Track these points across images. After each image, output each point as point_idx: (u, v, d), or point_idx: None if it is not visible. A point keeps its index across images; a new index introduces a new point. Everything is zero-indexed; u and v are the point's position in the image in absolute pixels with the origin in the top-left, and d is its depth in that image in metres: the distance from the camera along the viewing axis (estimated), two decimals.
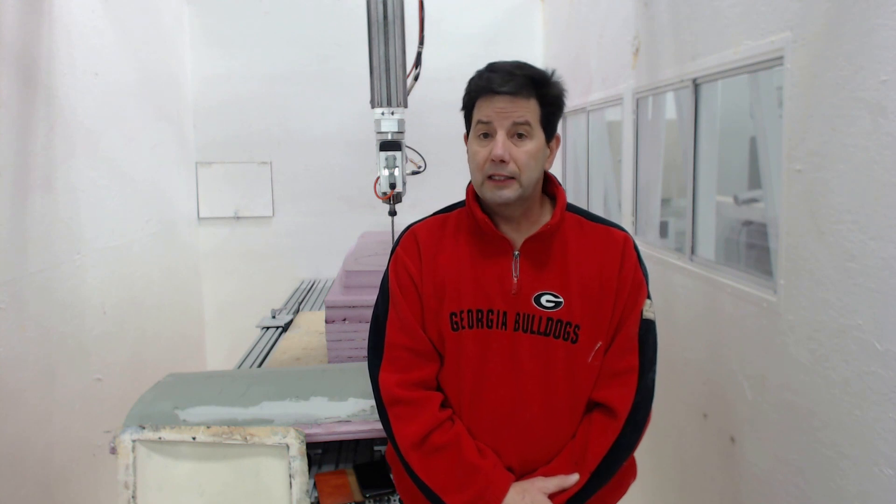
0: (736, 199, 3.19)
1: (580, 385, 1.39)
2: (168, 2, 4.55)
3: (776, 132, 2.12)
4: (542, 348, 1.37)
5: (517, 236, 1.41)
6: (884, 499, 1.53)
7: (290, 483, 1.76)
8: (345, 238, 4.09)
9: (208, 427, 1.79)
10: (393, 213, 2.39)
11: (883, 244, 1.50)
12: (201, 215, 5.05)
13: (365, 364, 1.70)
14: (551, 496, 1.34)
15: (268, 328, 3.33)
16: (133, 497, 1.77)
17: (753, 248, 2.86)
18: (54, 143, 2.84)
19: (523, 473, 1.39)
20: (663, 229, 3.29)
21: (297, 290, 4.44)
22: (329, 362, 2.49)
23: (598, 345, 1.38)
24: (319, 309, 3.71)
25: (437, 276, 1.41)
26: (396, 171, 2.30)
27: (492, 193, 1.35)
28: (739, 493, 2.22)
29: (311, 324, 3.30)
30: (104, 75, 3.37)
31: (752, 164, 3.02)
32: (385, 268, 1.51)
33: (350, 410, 1.90)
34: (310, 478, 1.82)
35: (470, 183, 1.44)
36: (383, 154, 2.30)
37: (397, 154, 2.30)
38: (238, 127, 4.99)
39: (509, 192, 1.34)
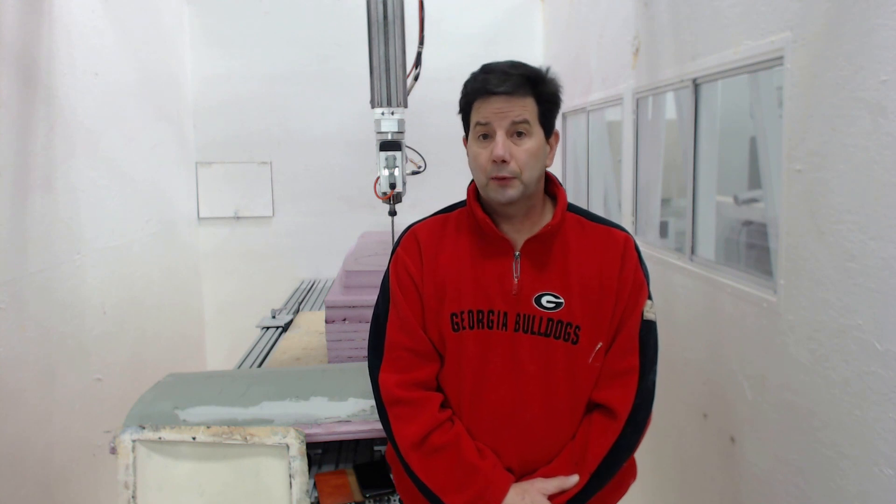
0: (736, 199, 3.19)
1: (580, 386, 1.39)
2: (168, 2, 4.55)
3: (776, 132, 2.12)
4: (542, 349, 1.37)
5: (518, 237, 1.41)
6: (884, 499, 1.53)
7: (290, 483, 1.76)
8: (345, 238, 4.09)
9: (208, 427, 1.79)
10: (393, 213, 2.39)
11: (883, 244, 1.50)
12: (201, 215, 5.05)
13: (365, 364, 1.70)
14: (551, 497, 1.34)
15: (268, 328, 3.33)
16: (133, 497, 1.77)
17: (753, 248, 2.86)
18: (54, 143, 2.84)
19: (523, 474, 1.39)
20: (663, 229, 3.29)
21: (297, 290, 4.44)
22: (329, 362, 2.49)
23: (599, 345, 1.38)
24: (319, 309, 3.71)
25: (438, 276, 1.41)
26: (396, 171, 2.30)
27: (496, 193, 1.35)
28: (739, 493, 2.22)
29: (311, 324, 3.30)
30: (104, 75, 3.37)
31: (752, 164, 3.02)
32: (385, 268, 1.51)
33: (350, 410, 1.90)
34: (310, 478, 1.82)
35: (471, 183, 1.45)
36: (383, 154, 2.30)
37: (397, 154, 2.30)
38: (238, 127, 4.99)
39: (513, 192, 1.34)
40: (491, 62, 1.38)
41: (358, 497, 1.82)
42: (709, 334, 2.44)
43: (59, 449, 2.77)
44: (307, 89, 4.97)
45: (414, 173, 2.59)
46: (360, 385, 1.95)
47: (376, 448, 2.02)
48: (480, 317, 1.38)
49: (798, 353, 1.85)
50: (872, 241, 1.54)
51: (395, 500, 1.81)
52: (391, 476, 1.80)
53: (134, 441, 1.78)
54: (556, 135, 1.43)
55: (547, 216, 1.43)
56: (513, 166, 1.32)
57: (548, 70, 1.38)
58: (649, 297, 1.43)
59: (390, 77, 2.31)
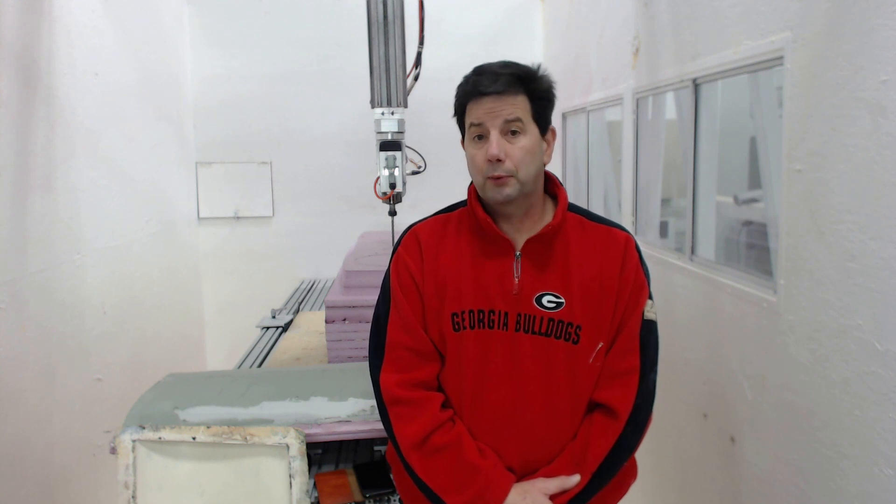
0: (736, 199, 3.19)
1: (581, 386, 1.39)
2: (168, 2, 4.54)
3: (776, 132, 2.12)
4: (543, 349, 1.37)
5: (519, 237, 1.41)
6: (884, 499, 1.53)
7: (290, 483, 1.76)
8: (345, 238, 4.09)
9: (208, 427, 1.79)
10: (393, 213, 2.39)
11: (883, 244, 1.50)
12: (201, 215, 5.05)
13: (365, 364, 1.70)
14: (552, 497, 1.34)
15: (268, 328, 3.33)
16: (133, 497, 1.77)
17: (753, 248, 2.86)
18: (54, 143, 2.84)
19: (524, 474, 1.39)
20: (663, 229, 3.29)
21: (297, 290, 4.44)
22: (329, 362, 2.49)
23: (600, 345, 1.38)
24: (319, 309, 3.71)
25: (439, 275, 1.41)
26: (396, 171, 2.30)
27: (493, 192, 1.36)
28: (739, 493, 2.22)
29: (311, 324, 3.30)
30: (104, 75, 3.37)
31: (752, 164, 3.02)
32: (385, 268, 1.51)
33: (350, 410, 1.90)
34: (310, 478, 1.82)
35: (472, 183, 1.45)
36: (383, 154, 2.30)
37: (397, 154, 2.30)
38: (238, 127, 4.99)
39: (509, 190, 1.34)
40: (483, 64, 1.38)
41: (358, 497, 1.82)
42: (709, 334, 2.44)
43: (59, 449, 2.77)
44: (307, 89, 4.97)
45: (414, 173, 2.59)
46: (360, 385, 1.95)
47: (376, 448, 2.02)
48: (481, 317, 1.38)
49: (798, 353, 1.85)
50: (872, 241, 1.54)
51: (395, 500, 1.81)
52: (391, 476, 1.80)
53: (134, 441, 1.77)
54: (553, 131, 1.43)
55: (548, 216, 1.44)
56: (508, 165, 1.33)
57: (539, 67, 1.38)
58: (650, 297, 1.43)
59: (390, 77, 2.31)
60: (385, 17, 2.28)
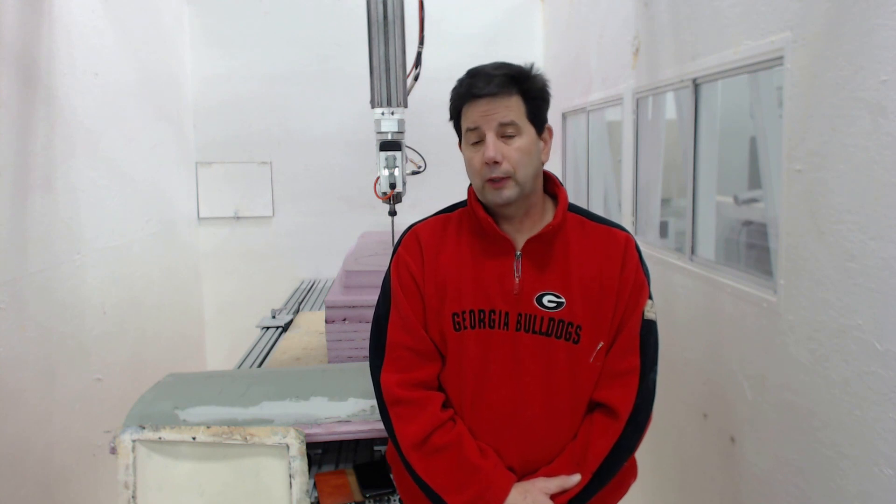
0: (736, 199, 3.19)
1: (581, 385, 1.39)
2: (168, 2, 4.55)
3: (776, 132, 2.12)
4: (543, 349, 1.37)
5: (519, 236, 1.41)
6: (884, 499, 1.53)
7: (290, 483, 1.76)
8: (345, 238, 4.09)
9: (208, 427, 1.79)
10: (393, 213, 2.39)
11: (883, 244, 1.50)
12: (201, 215, 5.05)
13: (365, 364, 1.70)
14: (553, 497, 1.34)
15: (268, 328, 3.33)
16: (133, 497, 1.77)
17: (753, 248, 2.86)
18: (54, 143, 2.84)
19: (525, 474, 1.39)
20: (663, 229, 3.29)
21: (297, 290, 4.44)
22: (329, 362, 2.49)
23: (600, 345, 1.38)
24: (319, 309, 3.71)
25: (439, 275, 1.41)
26: (396, 171, 2.30)
27: (493, 196, 1.36)
28: (739, 493, 2.22)
29: (311, 324, 3.30)
30: (104, 75, 3.37)
31: (752, 164, 3.02)
32: (386, 268, 1.51)
33: (350, 410, 1.90)
34: (310, 478, 1.82)
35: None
36: (383, 154, 2.30)
37: (397, 154, 2.30)
38: (238, 127, 4.99)
39: (508, 192, 1.35)
40: (476, 66, 1.39)
41: (358, 497, 1.82)
42: (709, 334, 2.44)
43: (59, 449, 2.77)
44: (307, 89, 4.97)
45: (414, 173, 2.59)
46: (360, 385, 1.95)
47: (376, 448, 2.02)
48: (482, 316, 1.38)
49: (798, 353, 1.85)
50: (872, 241, 1.54)
51: (395, 500, 1.81)
52: (391, 476, 1.80)
53: (134, 441, 1.77)
54: (549, 130, 1.43)
55: (548, 216, 1.44)
56: (505, 166, 1.33)
57: (532, 67, 1.38)
58: (650, 297, 1.43)
59: (390, 77, 2.31)
60: (385, 17, 2.28)
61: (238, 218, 5.10)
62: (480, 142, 1.35)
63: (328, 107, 4.98)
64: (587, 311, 1.38)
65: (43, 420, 2.67)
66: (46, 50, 2.80)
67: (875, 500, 1.56)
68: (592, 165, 4.15)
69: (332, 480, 1.89)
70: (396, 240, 1.53)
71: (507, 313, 1.38)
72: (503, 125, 1.33)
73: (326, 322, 2.45)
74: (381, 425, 1.46)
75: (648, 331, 1.40)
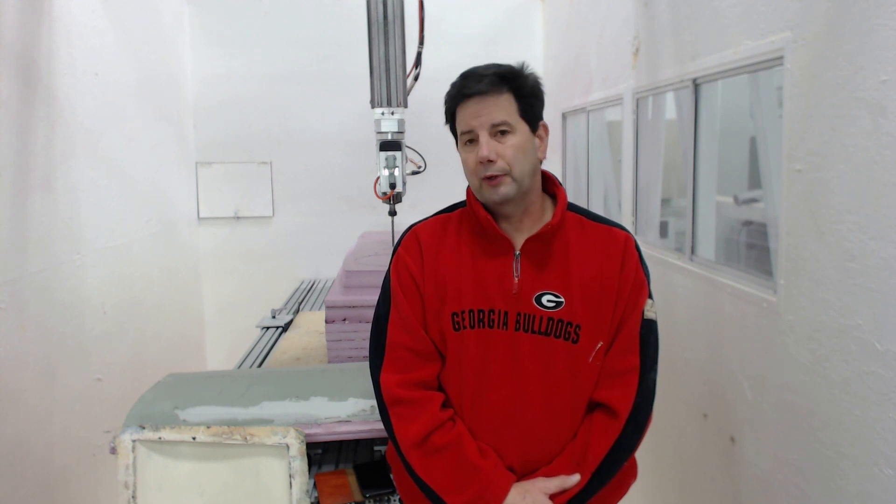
0: (736, 199, 3.19)
1: (581, 385, 1.39)
2: (168, 2, 4.55)
3: (776, 132, 2.12)
4: (543, 348, 1.37)
5: (518, 236, 1.41)
6: (884, 499, 1.53)
7: (290, 483, 1.76)
8: (345, 238, 4.09)
9: (208, 427, 1.79)
10: (393, 213, 2.39)
11: (883, 244, 1.50)
12: (201, 215, 5.05)
13: (365, 364, 1.70)
14: (552, 496, 1.34)
15: (268, 328, 3.33)
16: (133, 497, 1.77)
17: (753, 248, 2.86)
18: (54, 143, 2.84)
19: (524, 474, 1.39)
20: (663, 229, 3.29)
21: (297, 290, 4.44)
22: (329, 362, 2.49)
23: (600, 345, 1.38)
24: (319, 309, 3.71)
25: (439, 275, 1.42)
26: (396, 171, 2.30)
27: (490, 194, 1.36)
28: (739, 493, 2.22)
29: (311, 324, 3.30)
30: (104, 75, 3.37)
31: (752, 164, 3.02)
32: (385, 268, 1.51)
33: (350, 410, 1.90)
34: (310, 478, 1.82)
35: None
36: (383, 154, 2.30)
37: (397, 154, 2.30)
38: (238, 127, 4.99)
39: (505, 188, 1.35)
40: (469, 68, 1.39)
41: (358, 497, 1.82)
42: (709, 334, 2.44)
43: (59, 449, 2.77)
44: (307, 89, 4.97)
45: (414, 173, 2.59)
46: (360, 385, 1.95)
47: (376, 448, 2.02)
48: (481, 316, 1.39)
49: (798, 353, 1.85)
50: (872, 241, 1.54)
51: (395, 500, 1.81)
52: (391, 476, 1.80)
53: (134, 441, 1.77)
54: (545, 127, 1.43)
55: (547, 215, 1.44)
56: (500, 164, 1.33)
57: (523, 65, 1.39)
58: (650, 297, 1.43)
59: (390, 77, 2.31)
60: (385, 17, 2.28)
61: (238, 218, 5.10)
62: (475, 142, 1.36)
63: (328, 107, 4.98)
64: (586, 311, 1.38)
65: (43, 420, 2.67)
66: (46, 50, 2.80)
67: (875, 500, 1.56)
68: (592, 165, 4.15)
69: (332, 480, 1.89)
70: (396, 240, 1.53)
71: (506, 313, 1.38)
72: (495, 125, 1.34)
73: (326, 322, 2.45)
74: (381, 425, 1.46)
75: (648, 330, 1.40)
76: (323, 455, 2.04)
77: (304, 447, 1.77)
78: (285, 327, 3.31)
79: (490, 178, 1.34)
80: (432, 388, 1.42)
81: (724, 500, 2.33)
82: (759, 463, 2.08)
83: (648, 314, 1.41)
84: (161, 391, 1.97)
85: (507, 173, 1.34)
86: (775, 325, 1.96)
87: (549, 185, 1.47)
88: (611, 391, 1.38)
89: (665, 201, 3.27)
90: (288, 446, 1.76)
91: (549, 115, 1.44)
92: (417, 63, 2.51)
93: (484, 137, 1.34)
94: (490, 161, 1.33)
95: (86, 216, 3.12)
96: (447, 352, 1.41)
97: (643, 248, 1.54)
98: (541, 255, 1.40)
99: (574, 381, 1.38)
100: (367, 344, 1.53)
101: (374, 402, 1.46)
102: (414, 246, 1.46)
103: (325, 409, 1.90)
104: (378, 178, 2.31)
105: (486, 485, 1.32)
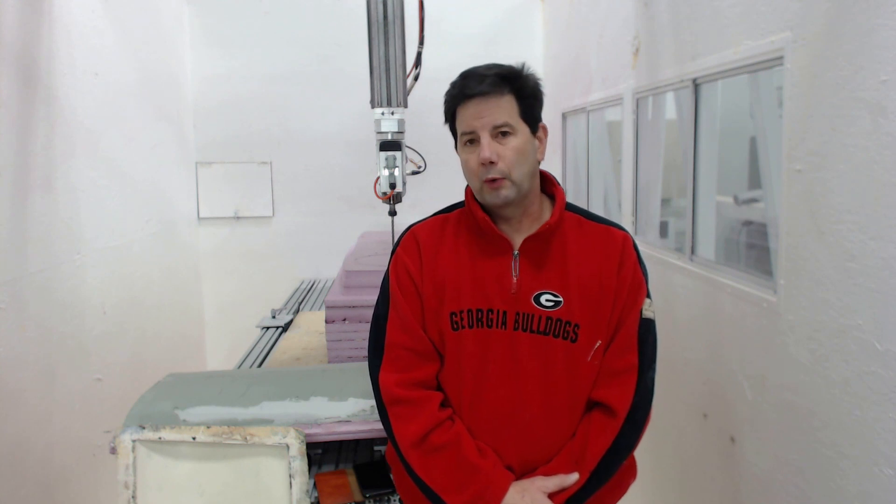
0: (736, 199, 3.19)
1: (580, 384, 1.39)
2: (168, 2, 4.55)
3: (776, 132, 2.12)
4: (541, 347, 1.37)
5: (517, 236, 1.41)
6: (884, 499, 1.53)
7: (290, 483, 1.76)
8: (345, 238, 4.09)
9: (208, 427, 1.79)
10: (393, 213, 2.39)
11: (883, 244, 1.50)
12: (201, 215, 5.06)
13: (365, 364, 1.70)
14: (551, 495, 1.34)
15: (268, 328, 3.33)
16: (133, 497, 1.77)
17: (753, 248, 2.86)
18: (54, 143, 2.84)
19: (523, 473, 1.39)
20: (663, 229, 3.29)
21: (297, 290, 4.44)
22: (329, 362, 2.48)
23: (598, 344, 1.38)
24: (319, 309, 3.71)
25: (438, 275, 1.42)
26: (396, 171, 2.30)
27: (490, 196, 1.36)
28: (739, 493, 2.22)
29: (311, 324, 3.29)
30: (104, 75, 3.37)
31: (752, 164, 3.02)
32: (385, 268, 1.51)
33: (350, 410, 1.90)
34: (310, 478, 1.82)
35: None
36: (383, 154, 2.30)
37: (397, 154, 2.30)
38: (238, 127, 4.99)
39: (506, 192, 1.35)
40: (469, 68, 1.39)
41: (358, 497, 1.82)
42: (709, 334, 2.44)
43: (59, 449, 2.77)
44: (307, 89, 4.98)
45: (414, 173, 2.59)
46: (360, 385, 1.95)
47: (376, 448, 2.02)
48: (480, 315, 1.39)
49: (798, 353, 1.85)
50: (872, 241, 1.54)
51: (395, 500, 1.81)
52: (391, 476, 1.80)
53: (134, 441, 1.77)
54: (544, 128, 1.43)
55: (545, 215, 1.44)
56: (501, 166, 1.33)
57: (524, 66, 1.39)
58: (648, 296, 1.43)
59: (390, 77, 2.31)
60: (385, 17, 2.28)
61: (238, 218, 5.10)
62: (475, 143, 1.36)
63: (328, 107, 4.99)
64: (585, 310, 1.38)
65: (43, 420, 2.67)
66: (46, 50, 2.81)
67: (875, 500, 1.56)
68: (592, 165, 4.15)
69: (332, 480, 1.89)
70: (395, 240, 1.53)
71: (504, 312, 1.38)
72: (497, 127, 1.33)
73: (326, 322, 2.45)
74: (380, 425, 1.46)
75: (647, 329, 1.40)
76: (323, 455, 2.04)
77: (304, 447, 1.77)
78: (285, 327, 3.31)
79: (491, 180, 1.34)
80: (431, 388, 1.42)
81: (724, 500, 2.33)
82: (759, 463, 2.08)
83: (647, 313, 1.41)
84: (161, 391, 1.97)
85: (507, 176, 1.34)
86: (775, 325, 1.96)
87: (548, 185, 1.47)
88: (609, 390, 1.38)
89: (665, 201, 3.27)
90: (288, 446, 1.76)
91: (549, 115, 1.44)
92: (417, 63, 2.51)
93: (485, 139, 1.34)
94: (491, 163, 1.33)
95: (86, 216, 3.12)
96: (446, 351, 1.41)
97: (643, 249, 1.54)
98: (539, 254, 1.40)
99: (572, 380, 1.38)
100: (366, 344, 1.53)
101: (374, 402, 1.46)
102: (412, 246, 1.46)
103: (325, 409, 1.90)
104: (378, 178, 2.31)
105: (485, 484, 1.32)
